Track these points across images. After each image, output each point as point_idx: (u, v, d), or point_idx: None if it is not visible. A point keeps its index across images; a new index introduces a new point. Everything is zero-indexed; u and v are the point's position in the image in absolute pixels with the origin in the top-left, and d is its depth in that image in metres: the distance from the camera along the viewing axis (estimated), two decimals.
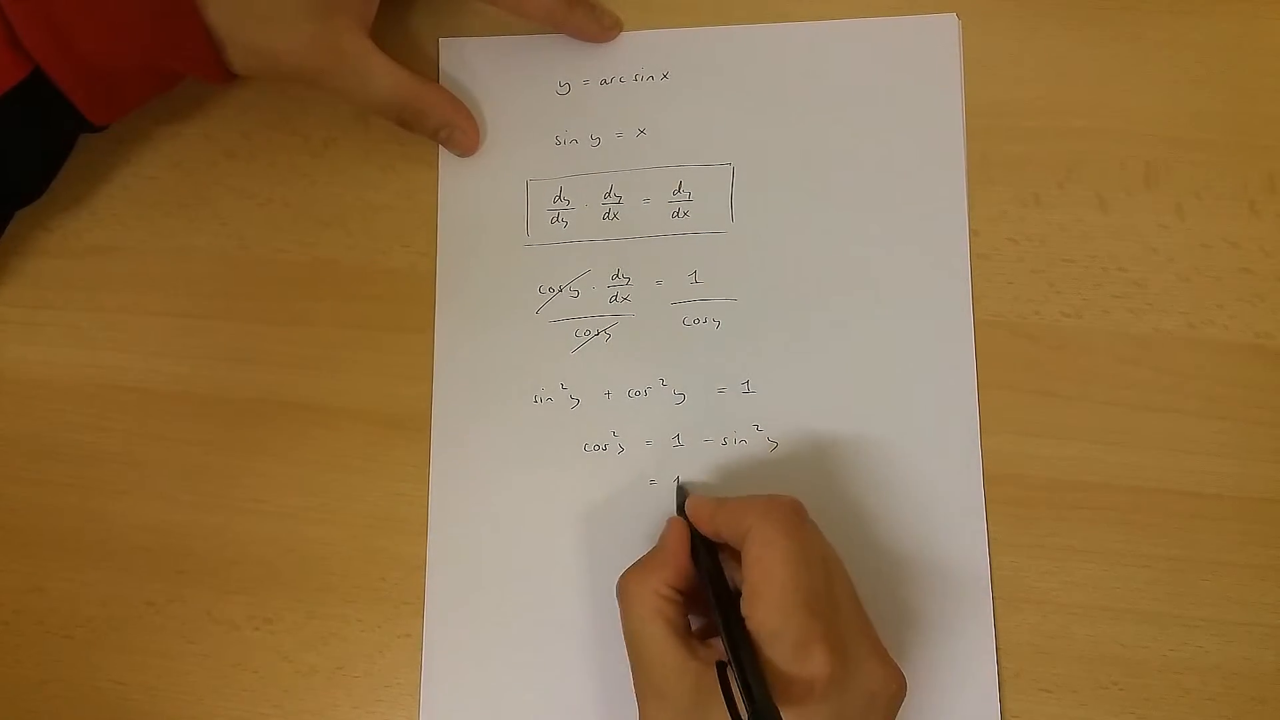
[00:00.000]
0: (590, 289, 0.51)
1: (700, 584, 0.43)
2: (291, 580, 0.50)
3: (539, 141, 0.52)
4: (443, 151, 0.53)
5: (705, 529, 0.44)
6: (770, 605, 0.39)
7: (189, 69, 0.48)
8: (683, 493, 0.48)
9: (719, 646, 0.40)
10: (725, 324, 0.50)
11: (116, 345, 0.53)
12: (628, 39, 0.53)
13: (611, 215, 0.51)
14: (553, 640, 0.48)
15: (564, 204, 0.52)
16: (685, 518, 0.45)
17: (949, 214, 0.50)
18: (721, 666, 0.39)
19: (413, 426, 0.51)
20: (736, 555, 0.42)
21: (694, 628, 0.44)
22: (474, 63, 0.53)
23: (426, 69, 0.53)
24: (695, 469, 0.49)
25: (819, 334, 0.49)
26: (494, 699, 0.48)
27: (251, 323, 0.52)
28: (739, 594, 0.41)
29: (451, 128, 0.51)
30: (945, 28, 0.51)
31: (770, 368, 0.49)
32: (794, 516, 0.41)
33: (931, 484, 0.48)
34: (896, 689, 0.40)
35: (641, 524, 0.49)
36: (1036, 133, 0.50)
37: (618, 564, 0.46)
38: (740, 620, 0.40)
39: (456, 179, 0.52)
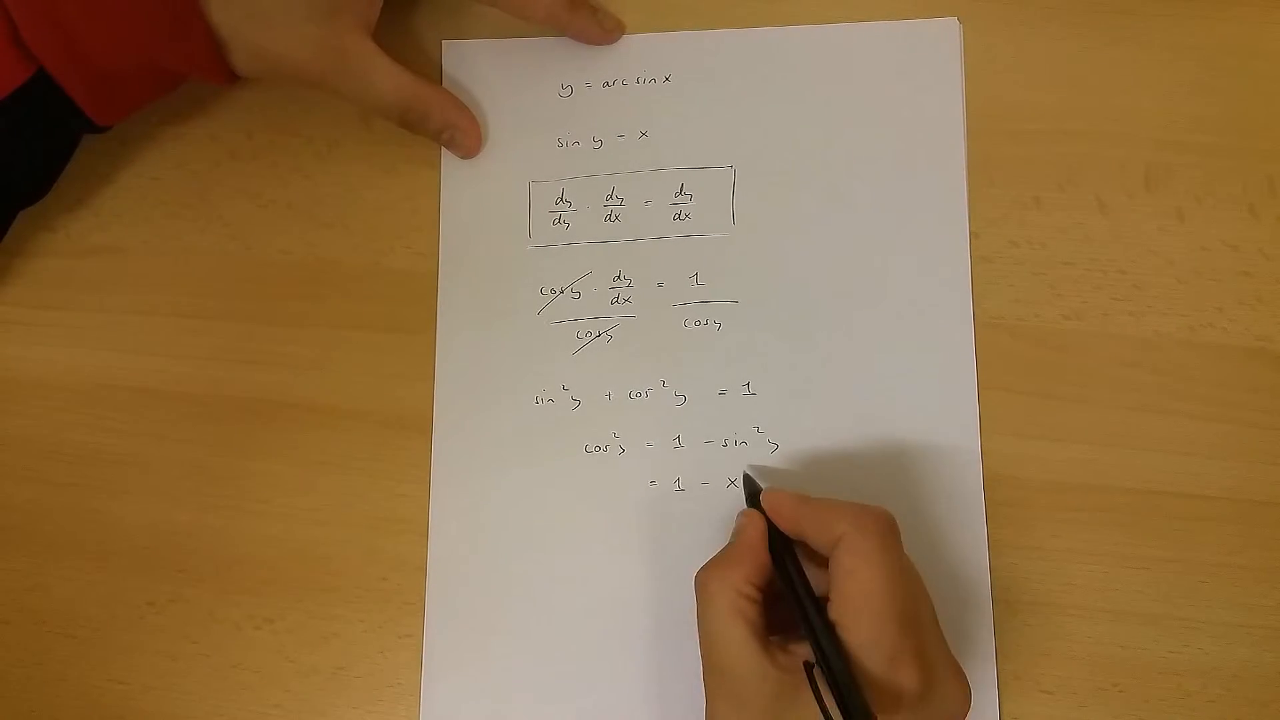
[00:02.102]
0: (592, 291, 0.51)
1: (778, 581, 0.42)
2: (293, 580, 0.50)
3: (541, 143, 0.52)
4: (445, 153, 0.53)
5: (785, 525, 0.43)
6: (866, 617, 0.39)
7: (192, 70, 0.48)
8: (751, 483, 0.46)
9: (798, 652, 0.40)
10: (726, 326, 0.50)
11: (119, 345, 0.53)
12: (630, 41, 0.53)
13: (613, 217, 0.51)
14: (553, 640, 0.48)
15: (566, 206, 0.52)
16: (759, 510, 0.44)
17: (949, 216, 0.50)
18: (809, 668, 0.38)
19: (414, 427, 0.51)
20: (811, 553, 0.42)
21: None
22: (476, 65, 0.53)
23: (429, 71, 0.53)
24: (696, 471, 0.49)
25: (820, 336, 0.49)
26: (494, 699, 0.48)
27: (254, 323, 0.53)
28: (822, 596, 0.40)
29: (454, 129, 0.51)
30: (946, 31, 0.51)
31: (771, 370, 0.49)
32: (889, 530, 0.41)
33: (932, 486, 0.48)
34: (968, 707, 0.40)
35: (642, 525, 0.49)
36: (1037, 136, 0.50)
37: (618, 565, 0.46)
38: (829, 625, 0.39)
39: (458, 180, 0.53)
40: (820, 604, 0.40)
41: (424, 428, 0.51)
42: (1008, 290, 0.49)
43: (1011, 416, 0.48)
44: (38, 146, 0.49)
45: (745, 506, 0.45)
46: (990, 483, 0.48)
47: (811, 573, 0.42)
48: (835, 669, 0.38)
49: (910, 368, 0.49)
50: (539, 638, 0.48)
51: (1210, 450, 0.48)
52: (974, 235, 0.50)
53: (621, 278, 0.51)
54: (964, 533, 0.47)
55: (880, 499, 0.47)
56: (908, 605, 0.39)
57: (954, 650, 0.46)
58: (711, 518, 0.48)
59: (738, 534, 0.44)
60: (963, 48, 0.51)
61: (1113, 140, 0.50)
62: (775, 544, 0.43)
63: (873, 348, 0.49)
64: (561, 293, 0.51)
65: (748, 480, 0.47)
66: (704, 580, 0.42)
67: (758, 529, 0.43)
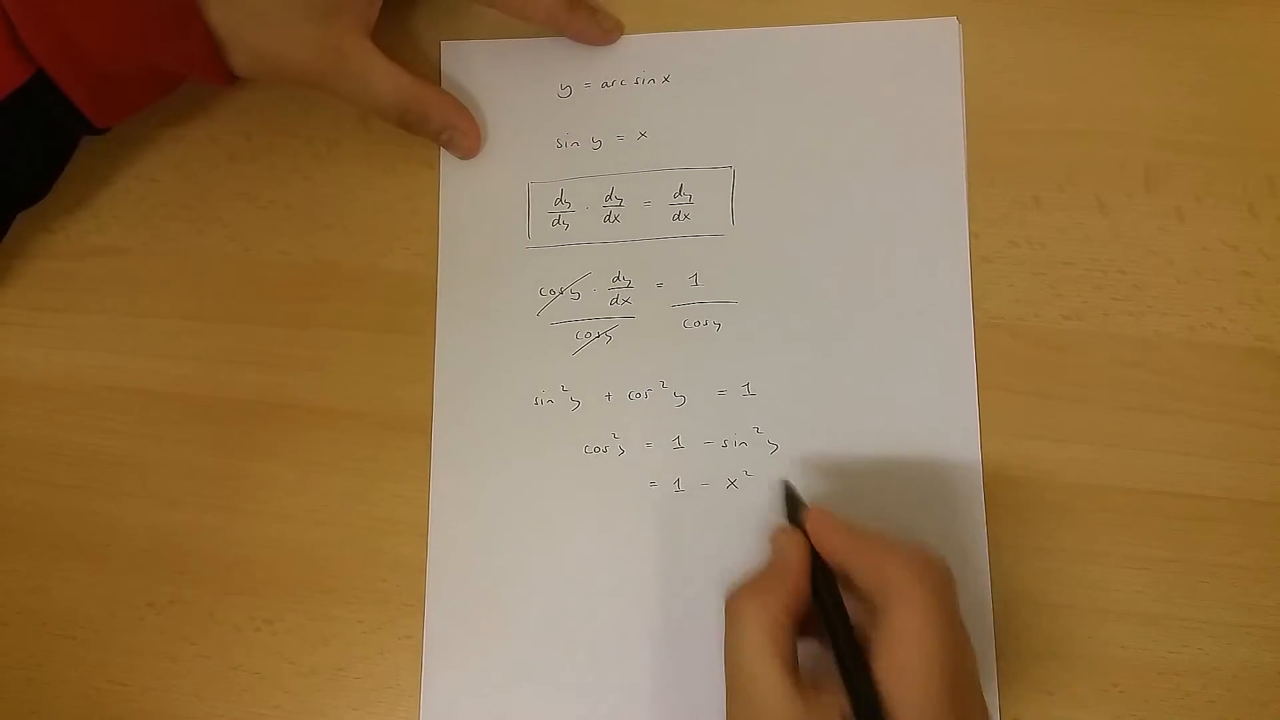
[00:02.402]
0: (591, 291, 0.51)
1: (819, 614, 0.40)
2: (292, 581, 0.50)
3: (540, 144, 0.52)
4: (444, 154, 0.53)
5: (827, 553, 0.40)
6: (917, 690, 0.36)
7: (191, 71, 0.48)
8: (793, 499, 0.44)
9: (832, 700, 0.37)
10: (726, 326, 0.50)
11: (118, 347, 0.53)
12: (629, 42, 0.53)
13: (612, 218, 0.51)
14: (553, 642, 0.48)
15: (565, 206, 0.52)
16: (801, 528, 0.41)
17: (949, 216, 0.50)
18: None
19: (413, 428, 0.51)
20: (845, 579, 0.40)
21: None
22: (475, 65, 0.53)
23: (428, 71, 0.53)
24: (695, 471, 0.49)
25: (819, 336, 0.49)
26: (494, 700, 0.48)
27: (253, 324, 0.53)
28: (862, 636, 0.38)
29: (453, 130, 0.51)
30: (946, 31, 0.51)
31: (771, 370, 0.49)
32: (948, 586, 0.38)
33: (931, 486, 0.48)
34: None
35: (641, 526, 0.49)
36: (1036, 136, 0.50)
37: (617, 566, 0.46)
38: (872, 683, 0.37)
39: (458, 181, 0.53)
40: (863, 655, 0.38)
41: (423, 428, 0.51)
42: (1007, 290, 0.49)
43: (1011, 416, 0.48)
44: (37, 148, 0.49)
45: (784, 521, 0.43)
46: (990, 483, 0.48)
47: (847, 601, 0.40)
48: None
49: (910, 368, 0.49)
50: (538, 639, 0.48)
51: (1210, 450, 0.47)
52: (974, 235, 0.50)
53: (621, 278, 0.51)
54: (964, 533, 0.47)
55: (880, 500, 0.48)
56: (960, 675, 0.37)
57: None
58: (711, 518, 0.48)
59: (778, 555, 0.41)
60: (962, 47, 0.51)
61: (1113, 140, 0.50)
62: (816, 572, 0.40)
63: (872, 348, 0.49)
64: (561, 293, 0.51)
65: (789, 493, 0.44)
66: (739, 605, 0.39)
67: (800, 553, 0.40)
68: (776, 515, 0.46)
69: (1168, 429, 0.48)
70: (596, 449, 0.50)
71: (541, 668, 0.48)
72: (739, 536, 0.48)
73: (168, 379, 0.52)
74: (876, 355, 0.49)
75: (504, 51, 0.53)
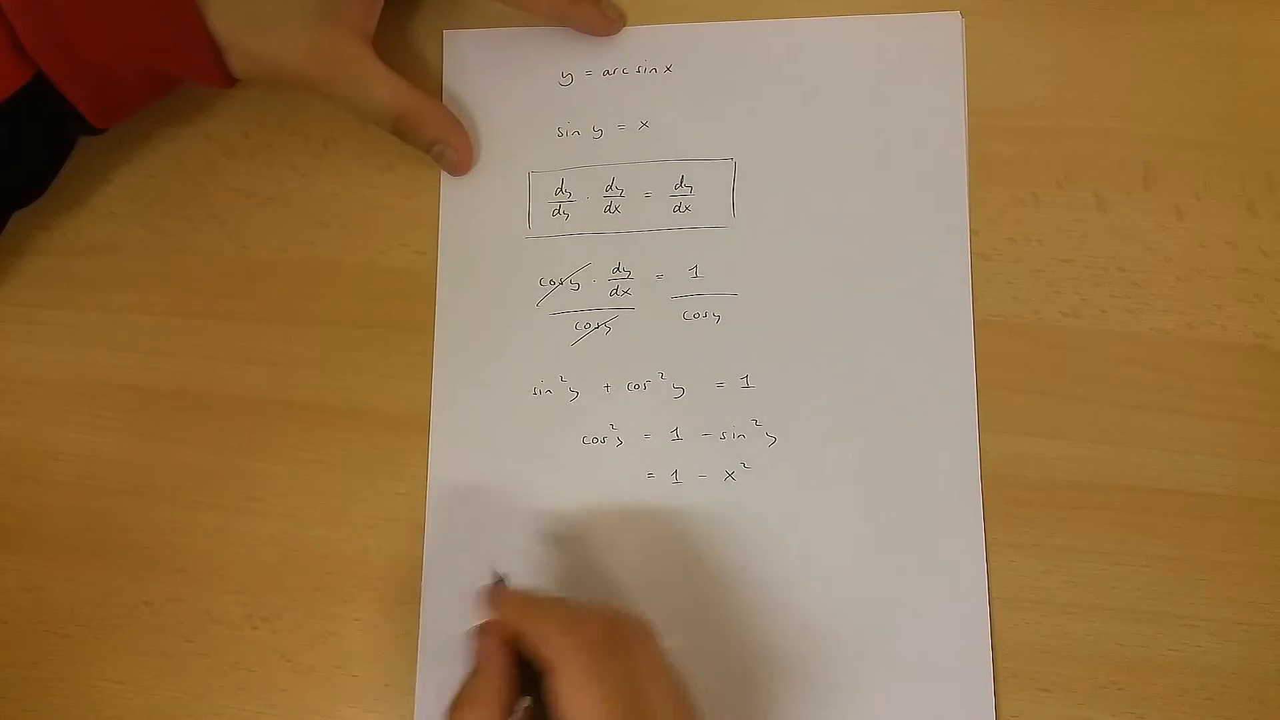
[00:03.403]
0: (591, 282, 0.51)
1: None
2: (290, 580, 0.50)
3: (541, 133, 0.53)
4: None
5: (507, 633, 0.40)
6: None
7: (191, 74, 0.48)
8: (498, 579, 0.44)
9: None
10: (725, 319, 0.50)
11: (115, 344, 0.53)
12: (631, 32, 0.53)
13: (613, 208, 0.51)
14: None
15: (565, 196, 0.52)
16: (493, 621, 0.41)
17: (950, 212, 0.50)
18: None
19: (411, 426, 0.51)
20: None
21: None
22: (477, 54, 0.53)
23: (430, 61, 0.54)
24: (693, 463, 0.49)
25: (818, 330, 0.49)
26: None
27: (250, 322, 0.53)
28: None
29: (444, 144, 0.51)
30: (948, 25, 0.51)
31: (769, 363, 0.49)
32: (594, 653, 0.38)
33: (929, 482, 0.48)
34: None
35: (639, 517, 0.49)
36: (1035, 132, 0.50)
37: (614, 559, 0.46)
38: None
39: None
40: None
41: (421, 426, 0.51)
42: (1006, 287, 0.49)
43: (1009, 413, 0.48)
44: (36, 149, 0.49)
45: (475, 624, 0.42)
46: (988, 480, 0.48)
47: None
48: None
49: (909, 364, 0.49)
50: None
51: (1209, 447, 0.47)
52: (973, 232, 0.50)
53: (621, 269, 0.51)
54: (962, 530, 0.47)
55: (876, 495, 0.48)
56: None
57: (950, 648, 0.46)
58: (708, 510, 0.48)
59: (475, 661, 0.41)
60: (964, 42, 0.51)
61: (1112, 137, 0.50)
62: (520, 668, 0.40)
63: (871, 343, 0.49)
64: (560, 284, 0.51)
65: (494, 578, 0.44)
66: None
67: (496, 655, 0.40)
68: (766, 511, 0.47)
69: (1166, 426, 0.48)
70: (595, 440, 0.50)
71: None
72: (736, 528, 0.48)
73: (164, 376, 0.52)
74: (875, 350, 0.49)
75: (505, 40, 0.53)
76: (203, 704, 0.50)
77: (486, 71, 0.53)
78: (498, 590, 0.42)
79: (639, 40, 0.53)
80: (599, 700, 0.37)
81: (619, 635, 0.39)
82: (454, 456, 0.50)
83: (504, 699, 0.39)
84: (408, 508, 0.50)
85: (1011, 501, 0.48)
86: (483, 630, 0.41)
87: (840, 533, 0.48)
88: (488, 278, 0.51)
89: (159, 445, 0.52)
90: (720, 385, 0.49)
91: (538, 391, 0.50)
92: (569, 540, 0.49)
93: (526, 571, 0.49)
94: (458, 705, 0.39)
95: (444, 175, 0.53)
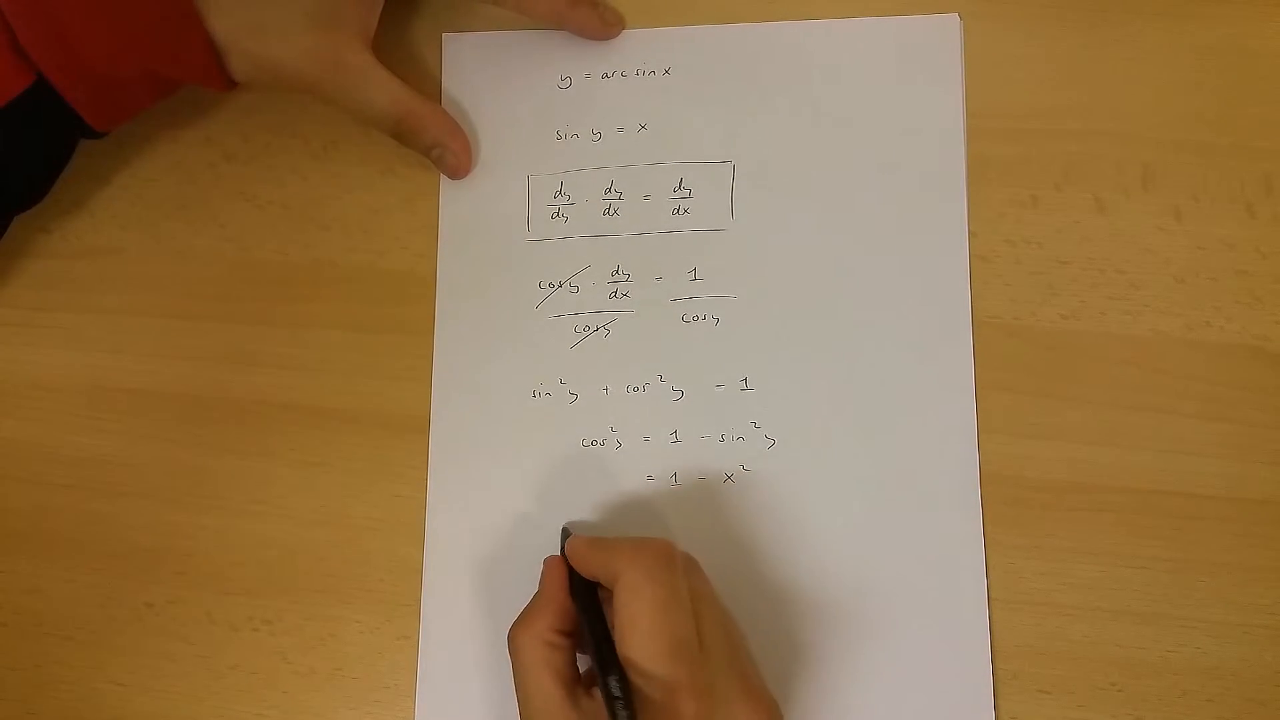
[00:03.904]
0: (590, 285, 0.51)
1: (579, 621, 0.43)
2: (290, 582, 0.50)
3: (540, 136, 0.53)
4: None
5: (580, 568, 0.44)
6: (638, 650, 0.39)
7: (191, 77, 0.48)
8: (566, 534, 0.47)
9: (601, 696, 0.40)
10: (724, 321, 0.50)
11: (115, 347, 0.53)
12: (630, 35, 0.53)
13: (612, 211, 0.51)
14: None
15: (565, 199, 0.52)
16: (565, 557, 0.45)
17: (948, 214, 0.50)
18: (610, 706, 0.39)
19: (411, 428, 0.51)
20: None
21: (584, 666, 0.44)
22: (476, 58, 0.54)
23: (430, 64, 0.54)
24: (692, 465, 0.49)
25: (817, 332, 0.49)
26: (491, 701, 0.48)
27: (250, 325, 0.53)
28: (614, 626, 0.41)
29: (444, 149, 0.51)
30: (947, 28, 0.51)
31: (768, 365, 0.49)
32: (661, 560, 0.41)
33: (928, 484, 0.48)
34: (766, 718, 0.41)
35: (639, 519, 0.49)
36: (1034, 134, 0.50)
37: None
38: (615, 665, 0.40)
39: None
40: (611, 644, 0.41)
41: (421, 428, 0.51)
42: (1005, 289, 0.49)
43: (1008, 415, 0.48)
44: (36, 153, 0.49)
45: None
46: (987, 481, 0.48)
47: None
48: (617, 712, 0.39)
49: (907, 365, 0.49)
50: None
51: (1207, 449, 0.47)
52: (971, 234, 0.50)
53: (620, 272, 0.51)
54: (961, 531, 0.47)
55: (876, 496, 0.48)
56: (680, 633, 0.40)
57: (949, 649, 0.46)
58: (708, 512, 0.49)
59: (541, 583, 0.45)
60: (963, 44, 0.51)
61: (1110, 139, 0.50)
62: (579, 587, 0.44)
63: (870, 345, 0.49)
64: (560, 286, 0.51)
65: (564, 534, 0.47)
66: (512, 636, 0.43)
67: (556, 575, 0.44)
68: (765, 513, 0.48)
69: (1165, 428, 0.48)
70: (594, 442, 0.50)
71: None
72: (736, 530, 0.48)
73: (164, 379, 0.52)
74: (874, 352, 0.49)
75: (504, 44, 0.54)
76: (204, 705, 0.50)
77: (486, 75, 0.53)
78: (573, 540, 0.44)
79: (638, 43, 0.53)
80: (658, 599, 0.40)
81: (678, 556, 0.42)
82: (454, 459, 0.50)
83: (562, 611, 0.43)
84: (408, 510, 0.50)
85: (1010, 502, 0.48)
86: (549, 562, 0.45)
87: (839, 534, 0.48)
88: (487, 280, 0.52)
89: (159, 447, 0.52)
90: (719, 387, 0.50)
91: (537, 394, 0.50)
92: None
93: (527, 572, 0.49)
94: (520, 620, 0.43)
95: (443, 178, 0.53)
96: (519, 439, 0.50)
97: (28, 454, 0.53)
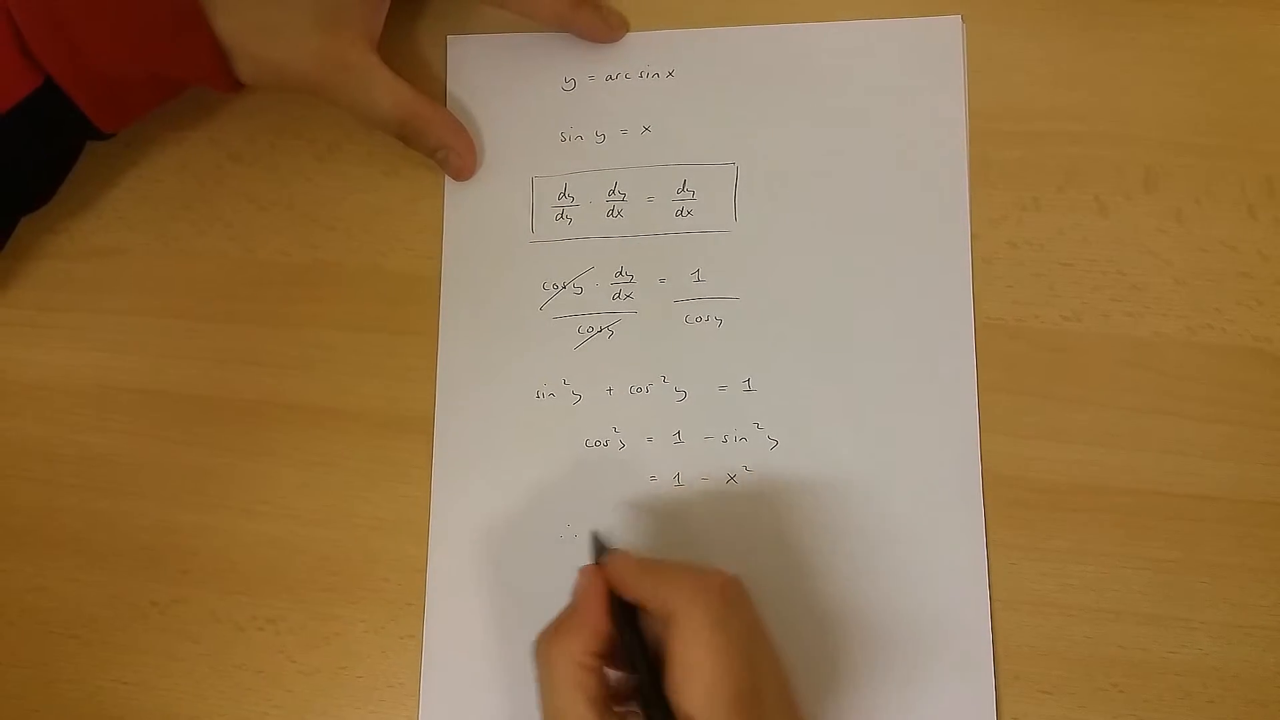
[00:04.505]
0: (594, 286, 0.51)
1: (619, 646, 0.41)
2: (294, 581, 0.50)
3: (544, 138, 0.53)
4: None
5: (626, 592, 0.41)
6: (696, 703, 0.37)
7: (198, 79, 0.49)
8: (598, 543, 0.44)
9: None
10: (727, 322, 0.50)
11: (121, 347, 0.53)
12: (633, 38, 0.53)
13: (616, 213, 0.52)
14: None
15: (568, 201, 0.52)
16: (601, 568, 0.42)
17: (951, 216, 0.50)
18: None
19: (415, 428, 0.51)
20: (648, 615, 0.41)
21: (611, 680, 0.42)
22: (481, 59, 0.54)
23: (434, 66, 0.54)
24: (695, 466, 0.49)
25: (820, 333, 0.50)
26: (494, 701, 0.48)
27: (255, 325, 0.53)
28: (659, 659, 0.39)
29: (448, 150, 0.51)
30: (949, 30, 0.51)
31: (771, 366, 0.49)
32: (721, 601, 0.39)
33: (930, 485, 0.48)
34: None
35: (642, 520, 0.49)
36: (1036, 137, 0.50)
37: None
38: (664, 702, 0.38)
39: None
40: (657, 677, 0.39)
41: (425, 429, 0.51)
42: (1007, 291, 0.49)
43: (1011, 417, 0.48)
44: (44, 154, 0.50)
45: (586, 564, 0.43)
46: (989, 483, 0.48)
47: (654, 628, 0.41)
48: None
49: (910, 367, 0.49)
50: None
51: (1209, 450, 0.47)
52: (974, 236, 0.50)
53: (623, 273, 0.51)
54: (963, 533, 0.47)
55: (878, 498, 0.48)
56: (742, 684, 0.38)
57: (951, 650, 0.46)
58: (711, 513, 0.49)
59: (576, 595, 0.42)
60: (965, 46, 0.51)
61: (1112, 141, 0.50)
62: (618, 608, 0.41)
63: (873, 346, 0.49)
64: (564, 288, 0.51)
65: (594, 540, 0.44)
66: (543, 649, 0.41)
67: (595, 595, 0.41)
68: (768, 514, 0.47)
69: (1166, 429, 0.48)
70: (597, 443, 0.50)
71: None
72: (738, 531, 0.48)
73: (170, 379, 0.53)
74: (876, 354, 0.49)
75: (509, 45, 0.54)
76: (208, 704, 0.50)
77: (490, 77, 0.54)
78: (617, 558, 0.42)
79: (641, 45, 0.53)
80: (720, 647, 0.38)
81: (737, 591, 0.40)
82: (457, 459, 0.50)
83: (599, 631, 0.40)
84: (412, 510, 0.50)
85: (1012, 504, 0.48)
86: (588, 574, 0.42)
87: (842, 535, 0.48)
88: (491, 282, 0.52)
89: (165, 447, 0.52)
90: (722, 388, 0.50)
91: (541, 395, 0.50)
92: (570, 544, 0.49)
93: (531, 572, 0.49)
94: (553, 631, 0.41)
95: (448, 180, 0.53)
96: (523, 439, 0.50)
97: (33, 453, 0.53)
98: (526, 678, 0.48)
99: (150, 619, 0.51)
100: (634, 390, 0.50)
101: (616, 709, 0.40)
